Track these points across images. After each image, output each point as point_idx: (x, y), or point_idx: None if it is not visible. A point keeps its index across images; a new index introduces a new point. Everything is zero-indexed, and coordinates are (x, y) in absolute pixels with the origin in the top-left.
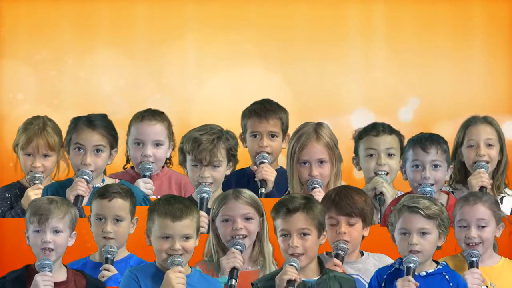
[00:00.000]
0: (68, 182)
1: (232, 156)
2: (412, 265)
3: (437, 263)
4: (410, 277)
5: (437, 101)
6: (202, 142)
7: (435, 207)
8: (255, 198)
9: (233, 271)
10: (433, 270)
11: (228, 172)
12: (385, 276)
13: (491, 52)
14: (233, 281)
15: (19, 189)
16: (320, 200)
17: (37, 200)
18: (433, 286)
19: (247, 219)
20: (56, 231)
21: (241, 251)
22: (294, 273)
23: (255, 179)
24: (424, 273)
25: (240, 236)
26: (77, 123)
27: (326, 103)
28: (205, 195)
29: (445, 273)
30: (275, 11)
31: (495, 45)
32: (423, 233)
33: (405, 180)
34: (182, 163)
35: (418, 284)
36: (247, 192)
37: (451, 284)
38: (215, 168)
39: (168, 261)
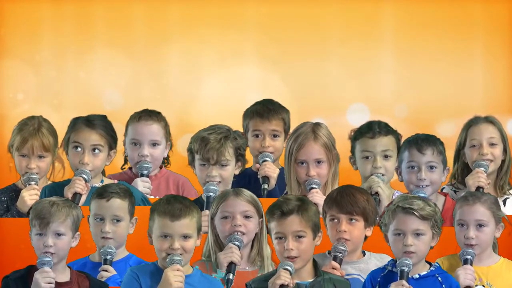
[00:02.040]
0: (67, 183)
1: (240, 156)
2: (405, 268)
3: (430, 264)
4: (403, 281)
5: (436, 99)
6: (209, 141)
7: (429, 208)
8: (255, 198)
9: (231, 266)
10: (426, 272)
11: (236, 172)
12: (378, 279)
13: (491, 52)
14: (231, 275)
15: (15, 191)
16: (318, 200)
17: (39, 203)
18: None
19: (247, 217)
20: (58, 234)
21: (238, 247)
22: (287, 278)
23: (258, 176)
24: (417, 276)
25: (239, 233)
26: (76, 122)
27: (325, 103)
28: (212, 194)
29: (437, 275)
30: (274, 11)
31: (495, 44)
32: (418, 234)
33: (400, 182)
34: (191, 163)
35: None
36: (247, 191)
37: (443, 286)
38: (223, 167)
39: (167, 260)
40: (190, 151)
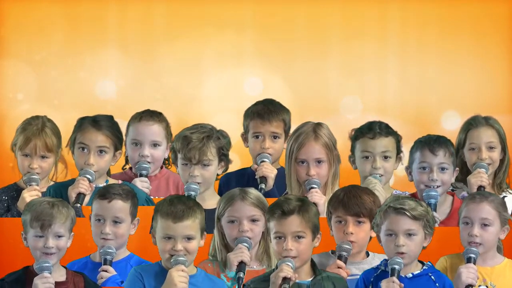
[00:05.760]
0: (71, 183)
1: (223, 156)
2: (396, 266)
3: (423, 263)
4: (394, 278)
5: (437, 98)
6: (192, 141)
7: (421, 208)
8: (261, 199)
9: (241, 265)
10: (419, 271)
11: (219, 172)
12: (371, 279)
13: (492, 51)
14: (241, 274)
15: (16, 191)
16: (317, 200)
17: (38, 204)
18: None
19: (253, 220)
20: (58, 236)
21: (247, 248)
22: (290, 271)
23: (256, 177)
24: (410, 275)
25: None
26: (82, 122)
27: (325, 102)
28: (192, 193)
29: (430, 274)
30: (274, 11)
31: (495, 44)
32: (410, 234)
33: (410, 181)
34: (174, 161)
35: (402, 285)
36: (253, 193)
37: (437, 284)
38: (205, 167)
39: (172, 260)
40: (173, 149)
